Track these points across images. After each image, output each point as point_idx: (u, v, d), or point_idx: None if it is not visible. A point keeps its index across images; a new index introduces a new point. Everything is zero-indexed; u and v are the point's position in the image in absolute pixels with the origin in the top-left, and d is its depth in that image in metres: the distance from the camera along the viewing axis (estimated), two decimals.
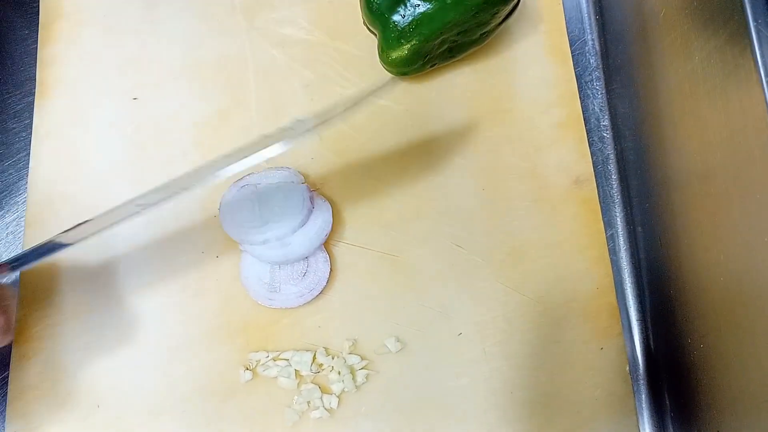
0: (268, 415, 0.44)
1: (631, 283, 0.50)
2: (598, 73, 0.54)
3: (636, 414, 0.45)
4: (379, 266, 0.46)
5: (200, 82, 0.50)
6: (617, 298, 0.47)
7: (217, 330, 0.45)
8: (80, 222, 0.38)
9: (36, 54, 0.50)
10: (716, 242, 0.39)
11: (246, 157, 0.36)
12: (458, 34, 0.45)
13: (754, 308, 0.36)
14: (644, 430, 0.47)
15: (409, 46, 0.44)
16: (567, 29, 0.52)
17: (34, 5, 0.51)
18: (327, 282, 0.45)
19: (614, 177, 0.52)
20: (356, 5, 0.47)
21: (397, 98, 0.50)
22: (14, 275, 0.38)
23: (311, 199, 0.45)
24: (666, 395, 0.47)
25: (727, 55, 0.37)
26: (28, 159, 0.48)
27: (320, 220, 0.45)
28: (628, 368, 0.45)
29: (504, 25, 0.47)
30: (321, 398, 0.43)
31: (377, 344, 0.45)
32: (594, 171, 0.49)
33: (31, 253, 0.37)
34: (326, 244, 0.46)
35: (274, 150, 0.36)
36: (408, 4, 0.43)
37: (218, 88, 0.50)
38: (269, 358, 0.44)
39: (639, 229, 0.49)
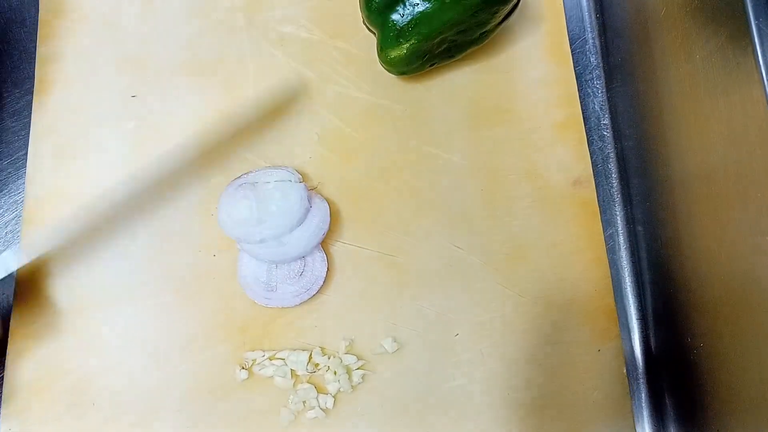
0: (263, 414, 0.43)
1: (631, 282, 0.49)
2: (599, 72, 0.53)
3: (633, 416, 0.45)
4: (376, 266, 0.46)
5: (199, 80, 0.50)
6: (617, 297, 0.47)
7: (213, 329, 0.45)
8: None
9: (35, 52, 0.50)
10: (717, 241, 0.39)
11: None
12: (457, 33, 0.45)
13: (754, 307, 0.35)
14: (644, 428, 0.47)
15: (408, 45, 0.44)
16: (567, 28, 0.52)
17: (34, 3, 0.51)
18: (324, 281, 0.45)
19: (614, 176, 0.51)
20: (356, 4, 0.47)
21: (395, 98, 0.49)
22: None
23: (309, 198, 0.45)
24: (666, 394, 0.46)
25: (728, 53, 0.36)
26: (27, 158, 0.48)
27: (317, 219, 0.45)
28: (625, 370, 0.45)
29: (504, 24, 0.47)
30: (317, 398, 0.43)
31: (374, 344, 0.45)
32: (594, 170, 0.49)
33: None
34: (324, 244, 0.46)
35: None
36: (407, 3, 0.43)
37: (217, 86, 0.50)
38: (265, 357, 0.44)
39: (639, 228, 0.49)
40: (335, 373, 0.43)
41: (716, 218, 0.39)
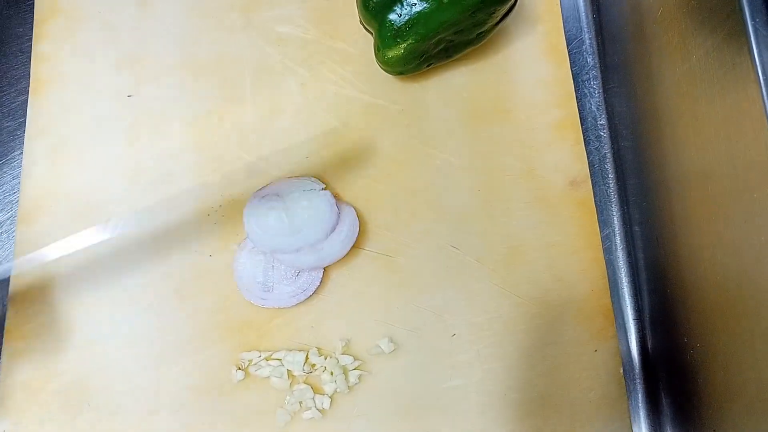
0: (260, 415, 0.43)
1: (628, 282, 0.49)
2: (596, 72, 0.53)
3: (629, 416, 0.44)
4: (373, 266, 0.46)
5: (196, 79, 0.50)
6: (613, 297, 0.47)
7: (209, 329, 0.44)
8: None
9: (31, 51, 0.50)
10: (713, 241, 0.39)
11: None
12: (455, 33, 0.45)
13: (750, 307, 0.35)
14: (640, 428, 0.47)
15: (405, 45, 0.44)
16: (564, 28, 0.52)
17: (29, 2, 0.51)
18: (320, 282, 0.45)
19: (611, 176, 0.51)
20: (353, 4, 0.47)
21: (392, 98, 0.49)
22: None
23: (337, 204, 0.45)
24: (662, 394, 0.46)
25: (725, 53, 0.36)
26: (22, 157, 0.48)
27: (348, 223, 0.45)
28: (622, 370, 0.45)
29: (501, 24, 0.47)
30: (313, 399, 0.43)
31: (370, 345, 0.44)
32: (591, 170, 0.49)
33: None
34: None
35: None
36: (404, 3, 0.43)
37: (214, 85, 0.50)
38: (261, 357, 0.44)
39: (636, 228, 0.49)
40: (332, 373, 0.43)
41: (713, 218, 0.39)
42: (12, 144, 0.49)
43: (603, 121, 0.52)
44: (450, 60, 0.49)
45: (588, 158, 0.49)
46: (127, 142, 0.48)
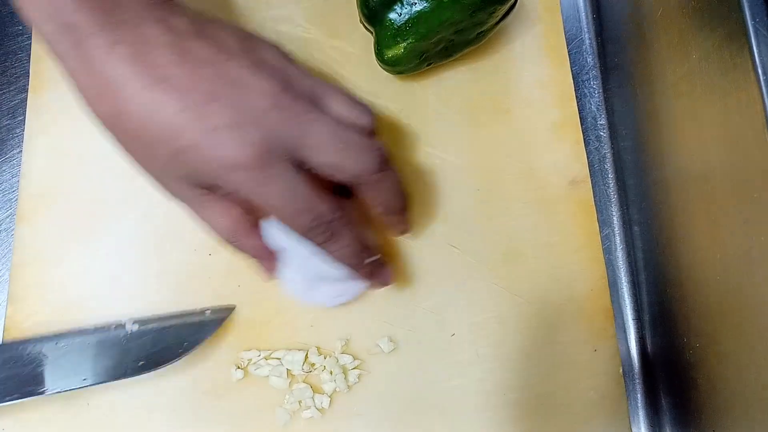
0: (259, 414, 0.43)
1: (627, 283, 0.49)
2: (595, 72, 0.53)
3: (629, 416, 0.45)
4: None
5: None
6: (613, 297, 0.47)
7: None
8: None
9: (30, 50, 0.50)
10: (713, 241, 0.39)
11: None
12: (455, 33, 0.45)
13: (750, 308, 0.35)
14: (639, 429, 0.47)
15: (405, 44, 0.44)
16: (564, 28, 0.52)
17: None
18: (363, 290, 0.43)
19: (611, 176, 0.51)
20: (353, 3, 0.47)
21: (392, 97, 0.49)
22: None
23: None
24: (662, 394, 0.46)
25: (725, 53, 0.36)
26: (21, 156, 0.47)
27: None
28: (621, 370, 0.45)
29: (501, 24, 0.47)
30: (312, 398, 0.43)
31: (370, 344, 0.44)
32: (591, 170, 0.49)
33: None
34: None
35: None
36: (405, 2, 0.43)
37: None
38: (261, 357, 0.44)
39: (635, 228, 0.49)
40: (331, 372, 0.43)
41: (713, 219, 0.39)
42: (11, 142, 0.49)
43: (603, 121, 0.52)
44: (450, 59, 0.48)
45: (588, 158, 0.49)
46: None
